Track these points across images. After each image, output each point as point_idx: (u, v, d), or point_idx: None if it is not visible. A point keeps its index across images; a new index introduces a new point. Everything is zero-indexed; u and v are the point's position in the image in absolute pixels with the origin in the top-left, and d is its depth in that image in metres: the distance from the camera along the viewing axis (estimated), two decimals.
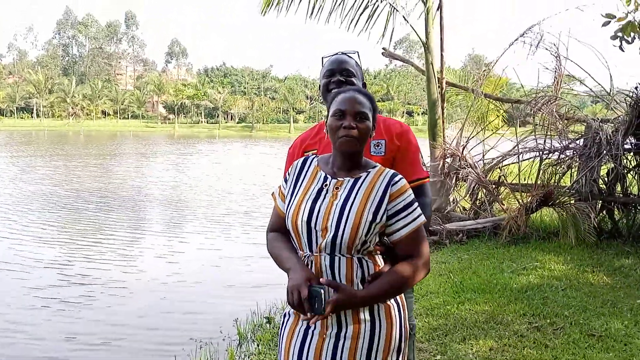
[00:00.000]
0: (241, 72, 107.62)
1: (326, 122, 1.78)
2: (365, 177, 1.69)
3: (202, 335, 4.59)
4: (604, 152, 6.52)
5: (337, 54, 2.30)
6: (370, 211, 1.62)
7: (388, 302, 1.67)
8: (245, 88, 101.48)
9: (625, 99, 6.93)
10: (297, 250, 1.71)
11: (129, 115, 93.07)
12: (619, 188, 7.00)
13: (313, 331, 1.65)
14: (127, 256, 7.55)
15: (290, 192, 1.77)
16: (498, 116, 9.49)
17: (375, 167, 1.73)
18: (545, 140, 7.27)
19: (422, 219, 1.68)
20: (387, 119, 2.25)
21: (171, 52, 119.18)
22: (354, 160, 1.72)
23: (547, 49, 7.79)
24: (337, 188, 1.69)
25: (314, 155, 1.86)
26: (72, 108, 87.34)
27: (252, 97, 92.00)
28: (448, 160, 8.08)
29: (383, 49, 9.06)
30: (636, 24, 4.84)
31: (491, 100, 9.03)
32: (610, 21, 4.94)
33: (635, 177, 7.08)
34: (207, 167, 22.95)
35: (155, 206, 12.39)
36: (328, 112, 1.77)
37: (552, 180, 7.03)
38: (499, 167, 7.86)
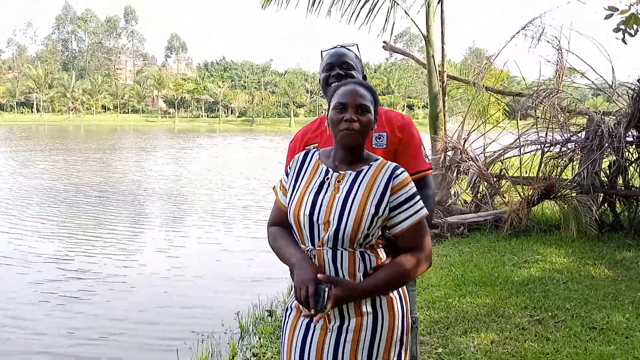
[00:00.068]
0: (241, 67, 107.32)
1: (327, 115, 1.76)
2: (367, 170, 1.68)
3: (204, 329, 4.58)
4: (606, 144, 6.50)
5: (336, 47, 2.28)
6: (373, 204, 1.61)
7: (390, 295, 1.66)
8: (245, 82, 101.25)
9: (627, 92, 6.90)
10: (300, 244, 1.70)
11: (129, 110, 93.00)
12: (620, 181, 6.98)
13: (315, 324, 1.64)
14: (127, 250, 7.54)
15: (291, 186, 1.75)
16: (499, 109, 9.46)
17: (377, 160, 1.72)
18: (546, 133, 7.26)
19: (424, 211, 1.67)
20: (388, 111, 2.23)
21: (171, 47, 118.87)
22: (356, 154, 1.70)
23: (548, 42, 7.76)
24: (338, 181, 1.67)
25: (315, 149, 1.84)
26: (72, 103, 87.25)
27: (252, 91, 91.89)
28: (449, 153, 8.07)
29: (384, 42, 9.03)
30: (639, 16, 4.80)
31: (492, 93, 9.00)
32: (612, 14, 4.90)
33: (637, 170, 7.07)
34: (207, 161, 22.93)
35: (155, 200, 12.38)
36: (329, 105, 1.76)
37: (554, 173, 7.02)
38: (501, 160, 7.85)
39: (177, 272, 6.51)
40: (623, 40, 4.98)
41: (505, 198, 7.59)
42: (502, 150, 7.86)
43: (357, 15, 7.95)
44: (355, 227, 1.59)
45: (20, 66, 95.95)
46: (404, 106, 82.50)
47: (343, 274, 1.61)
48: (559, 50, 7.70)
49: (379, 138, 2.13)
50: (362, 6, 7.96)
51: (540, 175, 6.96)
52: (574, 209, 6.49)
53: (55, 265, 6.62)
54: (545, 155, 7.14)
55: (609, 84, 7.67)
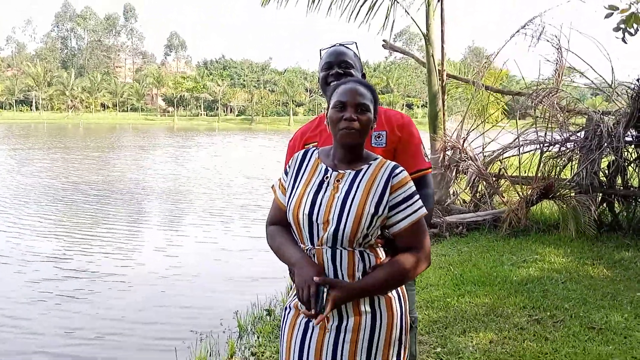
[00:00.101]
0: (240, 65, 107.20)
1: (326, 114, 1.75)
2: (367, 169, 1.67)
3: (202, 329, 4.58)
4: (605, 144, 6.49)
5: (335, 45, 2.27)
6: (372, 204, 1.60)
7: (389, 294, 1.66)
8: (244, 81, 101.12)
9: (626, 91, 6.89)
10: (299, 243, 1.70)
11: (128, 108, 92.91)
12: (619, 181, 6.98)
13: (314, 324, 1.63)
14: (125, 249, 7.52)
15: (291, 185, 1.75)
16: (498, 109, 9.46)
17: (376, 159, 1.71)
18: (546, 133, 7.25)
19: (423, 211, 1.66)
20: (387, 110, 2.22)
21: (170, 45, 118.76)
22: (355, 153, 1.70)
23: (548, 41, 7.74)
24: (338, 181, 1.67)
25: (315, 148, 1.83)
26: (71, 101, 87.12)
27: (251, 89, 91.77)
28: (448, 152, 8.07)
29: (383, 41, 9.02)
30: (639, 15, 4.79)
31: (492, 92, 9.00)
32: (613, 13, 4.89)
33: (636, 170, 7.06)
34: (206, 160, 22.91)
35: (154, 199, 12.36)
36: (328, 104, 1.75)
37: (553, 173, 7.01)
38: (500, 160, 7.84)
39: (176, 271, 6.49)
40: (623, 39, 4.97)
41: (504, 198, 7.59)
42: (501, 150, 7.85)
43: (357, 14, 7.96)
44: (355, 226, 1.58)
45: (19, 64, 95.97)
46: (403, 105, 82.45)
47: (342, 274, 1.61)
48: (559, 50, 7.69)
49: (379, 137, 2.12)
50: (362, 4, 7.96)
51: (539, 174, 6.95)
52: (572, 208, 6.49)
53: (53, 264, 6.60)
54: (544, 155, 7.13)
55: (608, 84, 7.67)
